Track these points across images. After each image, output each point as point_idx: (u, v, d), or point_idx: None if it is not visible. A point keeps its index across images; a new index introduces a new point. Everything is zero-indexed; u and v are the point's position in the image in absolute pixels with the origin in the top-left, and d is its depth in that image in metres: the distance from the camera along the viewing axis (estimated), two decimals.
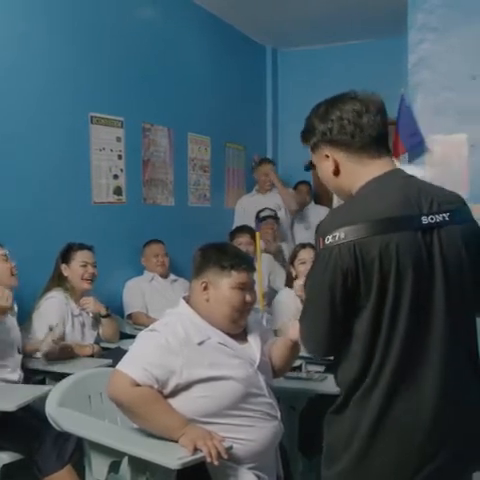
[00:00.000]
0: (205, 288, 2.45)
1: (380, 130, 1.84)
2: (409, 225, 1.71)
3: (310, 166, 2.81)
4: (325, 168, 1.89)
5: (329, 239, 1.70)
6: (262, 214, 6.19)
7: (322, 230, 1.75)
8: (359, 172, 1.83)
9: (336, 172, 1.87)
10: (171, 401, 2.30)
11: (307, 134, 1.92)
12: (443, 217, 1.76)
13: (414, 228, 1.72)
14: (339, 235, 1.68)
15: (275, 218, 6.11)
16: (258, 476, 2.32)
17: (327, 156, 1.87)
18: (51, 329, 3.45)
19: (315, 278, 1.76)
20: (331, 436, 1.83)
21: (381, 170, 1.82)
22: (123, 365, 2.29)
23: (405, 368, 1.70)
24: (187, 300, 2.51)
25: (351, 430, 1.75)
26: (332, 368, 1.89)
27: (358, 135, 1.81)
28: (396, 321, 1.69)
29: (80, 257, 3.89)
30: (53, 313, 3.69)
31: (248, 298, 2.45)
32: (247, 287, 2.46)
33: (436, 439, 1.72)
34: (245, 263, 2.48)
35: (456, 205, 1.82)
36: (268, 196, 6.49)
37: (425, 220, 1.73)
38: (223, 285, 2.43)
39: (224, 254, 2.48)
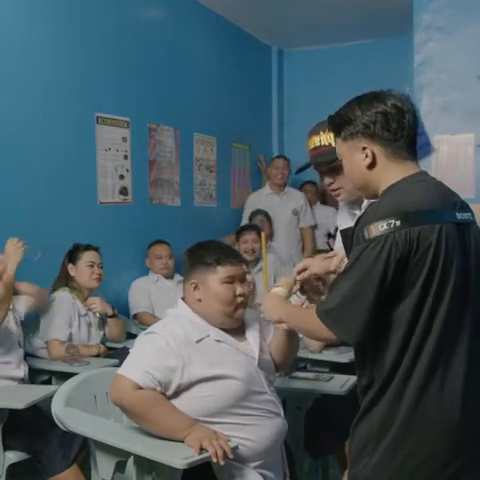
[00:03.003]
0: (195, 288, 2.45)
1: (415, 132, 1.89)
2: (451, 218, 1.78)
3: (302, 169, 2.84)
4: (358, 160, 1.89)
5: (383, 226, 1.71)
6: (253, 211, 6.15)
7: (372, 218, 1.75)
8: (393, 169, 1.86)
9: (371, 165, 1.87)
10: (174, 402, 2.30)
11: (342, 123, 1.92)
12: (468, 216, 1.85)
13: (454, 222, 1.78)
14: (394, 222, 1.70)
15: (266, 217, 6.06)
16: (264, 475, 2.32)
17: (364, 148, 1.87)
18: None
19: (364, 265, 1.73)
20: (362, 432, 1.85)
21: (412, 170, 1.87)
22: (124, 369, 2.29)
23: (439, 359, 1.75)
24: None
25: (385, 422, 1.78)
26: (359, 363, 1.89)
27: (399, 134, 1.85)
28: (436, 311, 1.74)
29: (87, 257, 3.90)
30: (59, 314, 3.70)
31: (239, 290, 2.43)
32: (236, 280, 2.44)
33: (464, 430, 1.77)
34: (230, 256, 2.46)
35: (469, 208, 1.90)
36: (284, 198, 6.36)
37: (459, 216, 1.81)
38: (211, 282, 2.42)
39: (207, 251, 2.47)
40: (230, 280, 2.43)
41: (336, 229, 4.62)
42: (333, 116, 1.99)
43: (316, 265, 2.41)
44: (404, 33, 5.38)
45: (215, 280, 2.42)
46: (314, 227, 6.47)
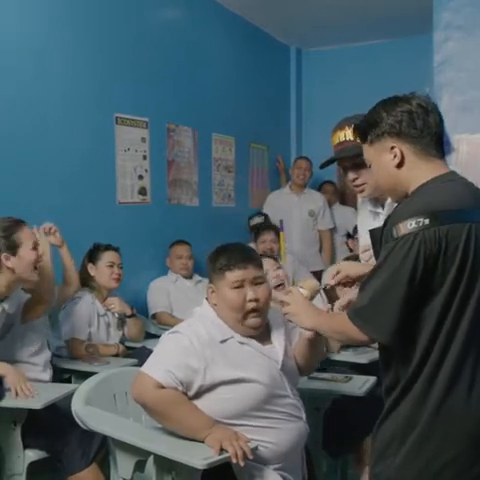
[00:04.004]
0: (212, 292, 2.45)
1: (441, 131, 1.89)
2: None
3: (326, 164, 2.81)
4: (386, 161, 1.90)
5: (412, 224, 1.72)
6: (252, 222, 6.15)
7: (401, 217, 1.75)
8: (422, 168, 1.86)
9: (400, 164, 1.88)
10: (195, 402, 2.30)
11: (368, 127, 1.93)
12: None
13: None
14: (423, 221, 1.71)
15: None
16: (283, 477, 2.32)
17: (392, 148, 1.87)
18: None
19: (393, 263, 1.73)
20: (386, 431, 1.85)
21: (441, 170, 1.87)
22: (147, 367, 2.30)
23: (466, 358, 1.75)
24: None
25: (409, 422, 1.78)
26: (384, 362, 1.89)
27: (426, 131, 1.86)
28: (463, 311, 1.74)
29: (107, 258, 3.91)
30: (79, 314, 3.72)
31: (251, 295, 2.37)
32: (246, 283, 2.38)
33: None
34: (240, 260, 2.39)
35: None
36: (302, 198, 6.35)
37: None
38: (222, 288, 2.40)
39: (220, 256, 2.43)
40: (238, 285, 2.38)
41: (355, 229, 4.61)
42: (358, 123, 2.00)
43: (350, 267, 2.40)
44: (424, 32, 5.34)
45: (225, 286, 2.39)
46: (333, 229, 6.44)
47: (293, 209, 6.23)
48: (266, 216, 6.17)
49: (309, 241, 6.29)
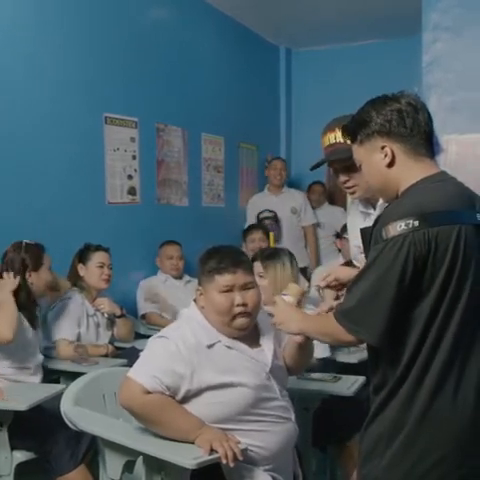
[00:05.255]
0: (201, 295, 2.43)
1: (430, 129, 1.89)
2: (471, 219, 1.78)
3: (316, 166, 2.80)
4: (377, 161, 1.89)
5: (401, 226, 1.71)
6: (261, 216, 6.19)
7: (390, 218, 1.75)
8: (413, 168, 1.86)
9: (391, 164, 1.87)
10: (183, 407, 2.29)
11: (358, 127, 1.92)
12: None
13: (474, 223, 1.78)
14: (412, 222, 1.70)
15: (275, 220, 6.12)
16: (274, 477, 2.31)
17: (383, 147, 1.86)
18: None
19: (382, 264, 1.73)
20: (372, 433, 1.85)
21: (432, 169, 1.87)
22: (133, 372, 2.28)
23: (454, 361, 1.74)
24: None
25: (396, 424, 1.78)
26: (372, 362, 1.89)
27: (416, 130, 1.85)
28: (452, 313, 1.73)
29: (97, 258, 3.90)
30: (68, 314, 3.71)
31: (238, 300, 2.35)
32: (235, 288, 2.36)
33: (477, 430, 1.77)
34: (229, 264, 2.37)
35: None
36: (281, 197, 6.44)
37: (479, 218, 1.80)
38: (210, 291, 2.37)
39: (210, 259, 2.41)
40: (227, 289, 2.35)
41: (343, 229, 4.62)
42: (347, 123, 1.99)
43: (340, 271, 2.41)
44: (414, 33, 5.36)
45: (213, 289, 2.37)
46: (316, 225, 6.51)
47: (275, 209, 6.27)
48: (275, 212, 6.20)
49: (294, 239, 6.35)
